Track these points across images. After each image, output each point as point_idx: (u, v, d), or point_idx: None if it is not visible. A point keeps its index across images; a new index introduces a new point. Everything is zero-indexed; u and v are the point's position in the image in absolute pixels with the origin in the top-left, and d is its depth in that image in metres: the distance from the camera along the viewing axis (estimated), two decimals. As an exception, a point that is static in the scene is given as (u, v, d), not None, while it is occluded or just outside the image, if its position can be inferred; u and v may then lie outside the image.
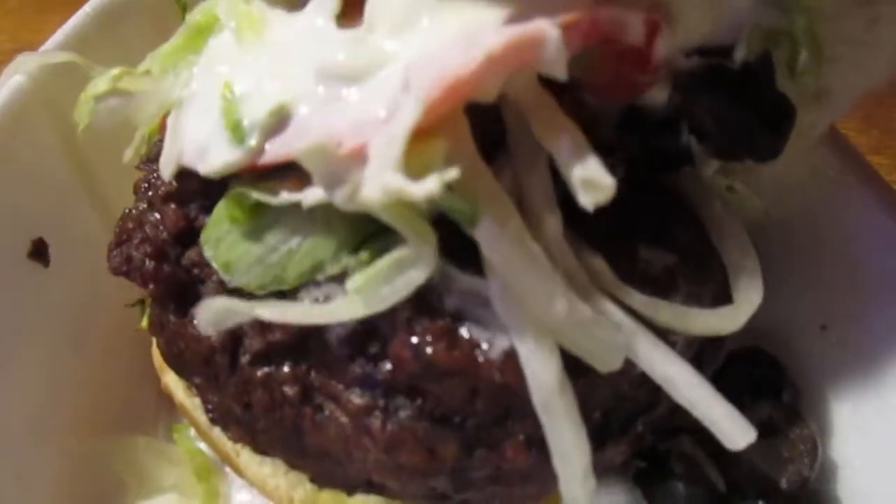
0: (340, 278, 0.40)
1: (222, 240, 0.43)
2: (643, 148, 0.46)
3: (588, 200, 0.35)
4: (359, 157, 0.36)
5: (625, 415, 0.46)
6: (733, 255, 0.48)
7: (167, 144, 0.46)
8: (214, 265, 0.42)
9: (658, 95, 0.42)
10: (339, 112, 0.38)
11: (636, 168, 0.46)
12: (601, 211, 0.38)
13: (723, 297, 0.46)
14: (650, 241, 0.46)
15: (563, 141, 0.37)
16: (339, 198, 0.36)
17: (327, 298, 0.41)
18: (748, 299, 0.45)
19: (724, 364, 0.53)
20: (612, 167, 0.45)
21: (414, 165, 0.34)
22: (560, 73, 0.35)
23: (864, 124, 1.00)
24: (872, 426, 0.49)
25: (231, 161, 0.41)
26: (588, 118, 0.42)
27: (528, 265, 0.36)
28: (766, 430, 0.50)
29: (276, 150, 0.40)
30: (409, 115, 0.33)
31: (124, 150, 0.50)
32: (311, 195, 0.39)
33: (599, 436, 0.44)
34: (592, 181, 0.36)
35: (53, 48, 0.58)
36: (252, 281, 0.41)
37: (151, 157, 0.50)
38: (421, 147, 0.34)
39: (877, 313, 0.50)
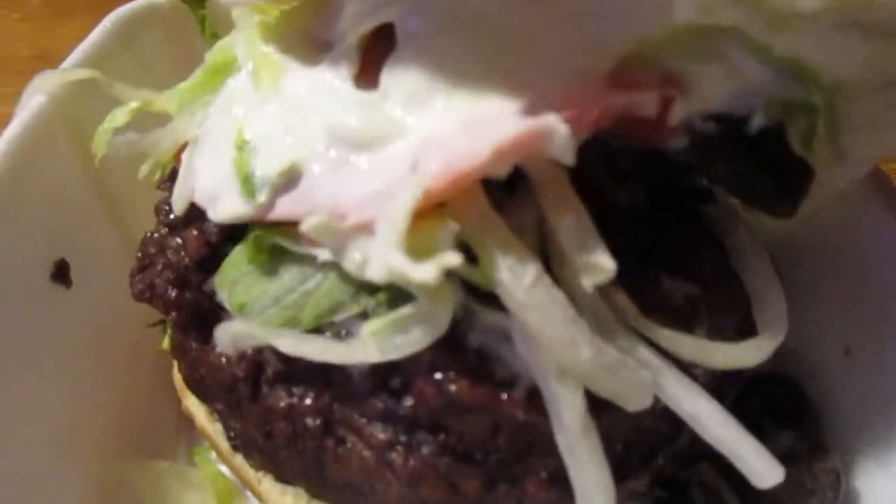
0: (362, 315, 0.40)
1: (238, 282, 0.43)
2: (663, 181, 0.45)
3: (588, 283, 0.36)
4: (364, 230, 0.37)
5: (646, 447, 0.46)
6: (757, 284, 0.47)
7: (180, 179, 0.46)
8: (228, 307, 0.42)
9: (676, 143, 0.42)
10: (347, 179, 0.39)
11: (656, 194, 0.46)
12: (622, 238, 0.38)
13: (746, 327, 0.46)
14: (672, 271, 0.45)
15: (568, 221, 0.37)
16: (349, 267, 0.37)
17: (348, 333, 0.41)
18: (772, 332, 0.45)
19: (745, 389, 0.53)
20: (632, 193, 0.45)
21: (419, 244, 0.34)
22: (568, 160, 0.35)
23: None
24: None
25: (240, 213, 0.42)
26: (609, 151, 0.42)
27: (549, 314, 0.36)
28: (788, 460, 0.49)
29: (285, 209, 0.41)
30: (410, 198, 0.34)
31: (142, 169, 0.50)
32: (325, 254, 0.39)
33: (621, 468, 0.44)
34: (595, 266, 0.36)
35: (73, 64, 0.57)
36: (267, 321, 0.41)
37: (172, 177, 0.50)
38: (427, 225, 0.35)
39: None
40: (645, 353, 0.41)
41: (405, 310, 0.37)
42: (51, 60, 0.98)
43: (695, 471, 0.50)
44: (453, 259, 0.34)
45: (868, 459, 0.50)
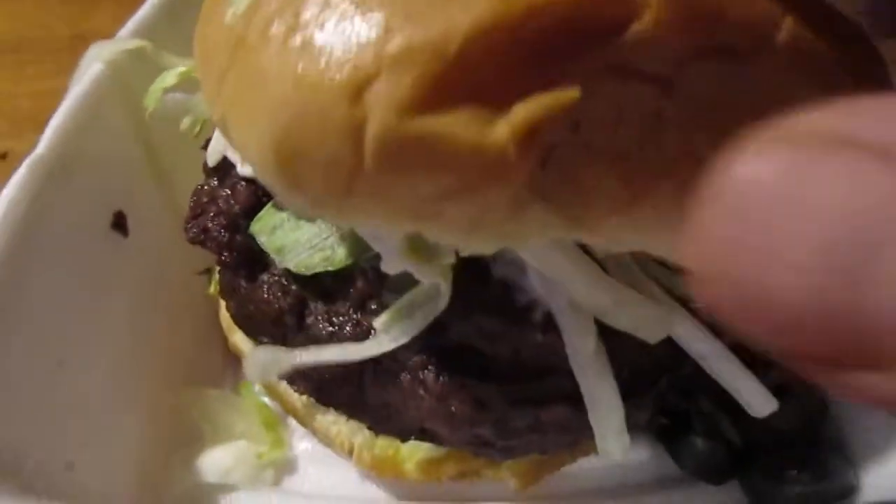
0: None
1: (278, 227, 0.48)
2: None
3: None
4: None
5: (651, 374, 0.50)
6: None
7: (215, 136, 0.51)
8: (267, 249, 0.47)
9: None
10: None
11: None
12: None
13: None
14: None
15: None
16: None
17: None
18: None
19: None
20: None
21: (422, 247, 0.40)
22: None
23: None
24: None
25: None
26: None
27: (564, 258, 0.41)
28: (780, 391, 0.54)
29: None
30: None
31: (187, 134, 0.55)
32: None
33: (627, 391, 0.49)
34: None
35: (126, 35, 0.62)
36: (301, 262, 0.46)
37: (217, 137, 0.55)
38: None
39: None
40: (656, 289, 0.46)
41: (407, 297, 0.43)
42: (88, 40, 1.03)
43: (695, 402, 0.55)
44: (451, 259, 0.39)
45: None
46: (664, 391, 0.52)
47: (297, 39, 0.32)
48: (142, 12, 0.63)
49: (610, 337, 0.44)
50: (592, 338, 0.43)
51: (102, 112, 0.57)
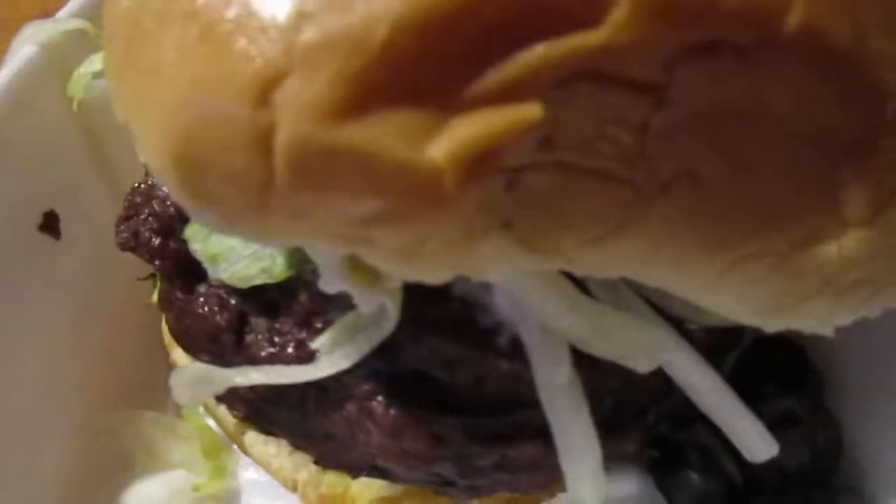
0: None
1: (212, 233, 0.42)
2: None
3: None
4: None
5: (637, 403, 0.44)
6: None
7: None
8: (200, 258, 0.42)
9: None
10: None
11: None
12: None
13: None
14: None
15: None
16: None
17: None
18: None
19: (747, 351, 0.51)
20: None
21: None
22: None
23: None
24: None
25: None
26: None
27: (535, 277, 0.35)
28: (787, 423, 0.48)
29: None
30: None
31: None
32: None
33: (610, 424, 0.43)
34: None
35: (67, 14, 0.57)
36: (237, 273, 0.41)
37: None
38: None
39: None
40: (646, 309, 0.39)
41: (350, 317, 0.37)
42: (56, 21, 0.98)
43: (690, 432, 0.49)
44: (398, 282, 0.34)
45: (869, 422, 0.48)
46: (655, 420, 0.46)
47: (196, 25, 0.26)
48: (84, -11, 0.57)
49: (589, 363, 0.38)
50: (565, 368, 0.38)
51: (34, 100, 0.51)
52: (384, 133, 0.25)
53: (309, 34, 0.25)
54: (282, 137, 0.25)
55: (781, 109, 0.28)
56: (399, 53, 0.24)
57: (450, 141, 0.25)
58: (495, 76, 0.25)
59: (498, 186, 0.27)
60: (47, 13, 0.99)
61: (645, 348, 0.38)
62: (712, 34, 0.26)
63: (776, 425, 0.47)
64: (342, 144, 0.25)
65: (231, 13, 0.26)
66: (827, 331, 0.34)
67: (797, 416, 0.48)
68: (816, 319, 0.34)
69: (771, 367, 0.51)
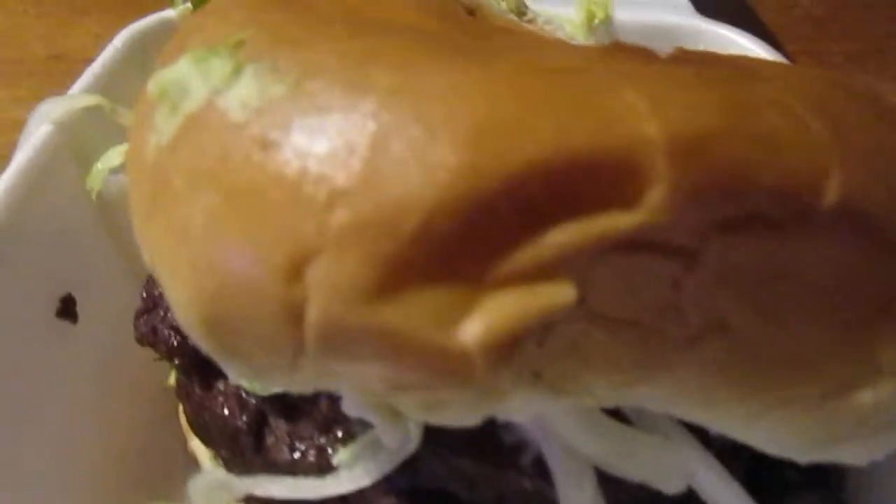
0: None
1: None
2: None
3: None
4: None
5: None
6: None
7: None
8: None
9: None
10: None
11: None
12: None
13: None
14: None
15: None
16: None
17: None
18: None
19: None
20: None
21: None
22: None
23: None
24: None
25: None
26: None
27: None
28: None
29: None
30: None
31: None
32: None
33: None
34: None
35: (81, 88, 0.56)
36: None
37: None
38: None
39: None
40: (672, 427, 0.39)
41: (372, 433, 0.37)
42: (66, 60, 0.98)
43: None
44: None
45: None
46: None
47: (227, 192, 0.26)
48: (97, 64, 0.57)
49: (612, 479, 0.38)
50: (589, 487, 0.37)
51: (51, 181, 0.51)
52: (414, 315, 0.25)
53: (342, 215, 0.25)
54: (312, 314, 0.25)
55: (814, 272, 0.28)
56: (431, 237, 0.24)
57: (481, 325, 0.24)
58: (527, 256, 0.25)
59: (530, 345, 0.26)
60: (55, 55, 1.00)
61: (670, 469, 0.37)
62: (748, 210, 0.26)
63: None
64: (372, 324, 0.25)
65: (263, 183, 0.26)
66: (862, 463, 0.34)
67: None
68: (850, 457, 0.34)
69: (792, 465, 0.50)
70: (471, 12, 0.47)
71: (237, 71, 0.28)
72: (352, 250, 0.25)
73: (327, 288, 0.25)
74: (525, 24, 0.59)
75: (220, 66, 0.29)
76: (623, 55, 0.33)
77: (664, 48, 0.34)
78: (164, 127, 0.29)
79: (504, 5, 0.63)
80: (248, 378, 0.36)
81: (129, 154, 0.33)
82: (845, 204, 0.26)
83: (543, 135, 0.25)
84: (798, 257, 0.27)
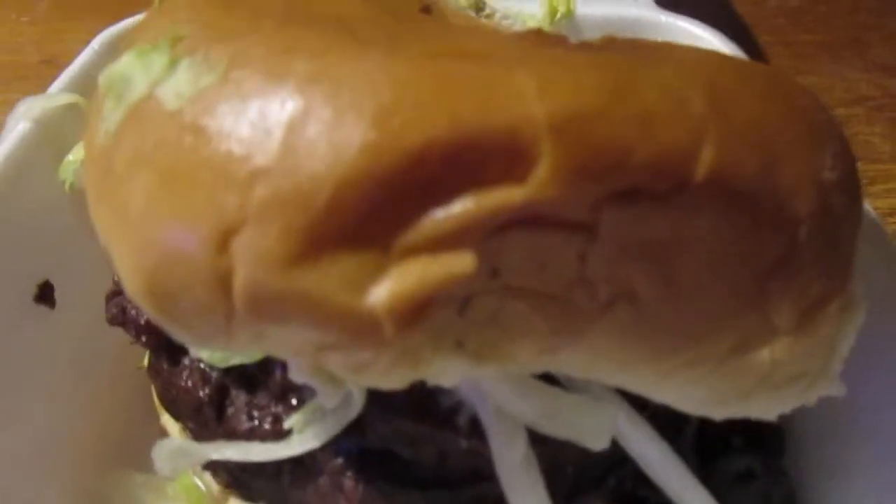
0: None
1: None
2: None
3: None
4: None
5: (598, 468, 0.47)
6: None
7: None
8: None
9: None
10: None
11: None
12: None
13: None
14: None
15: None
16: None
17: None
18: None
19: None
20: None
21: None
22: None
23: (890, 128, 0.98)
24: (854, 477, 0.49)
25: None
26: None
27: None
28: (745, 479, 0.51)
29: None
30: None
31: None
32: None
33: (574, 489, 0.46)
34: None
35: (59, 87, 0.60)
36: (216, 354, 0.44)
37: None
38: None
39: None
40: (597, 385, 0.42)
41: (317, 401, 0.40)
42: (58, 65, 1.00)
43: (653, 489, 0.51)
44: None
45: (825, 481, 0.50)
46: (618, 481, 0.49)
47: (160, 175, 0.29)
48: (75, 64, 0.60)
49: (543, 439, 0.41)
50: (521, 445, 0.40)
51: (29, 175, 0.54)
52: (328, 281, 0.27)
53: (261, 192, 0.28)
54: (239, 281, 0.28)
55: (703, 240, 0.30)
56: (341, 210, 0.27)
57: (387, 289, 0.27)
58: (428, 227, 0.27)
59: (451, 313, 0.29)
60: (47, 60, 1.03)
61: (596, 428, 0.40)
62: (628, 184, 0.28)
63: (734, 480, 0.50)
64: (291, 290, 0.28)
65: (193, 165, 0.29)
66: (771, 418, 0.37)
67: (754, 473, 0.50)
68: (758, 411, 0.37)
69: (729, 424, 0.53)
70: (426, 8, 0.50)
71: (174, 63, 0.31)
72: (271, 223, 0.27)
73: (250, 258, 0.28)
74: (481, 20, 0.62)
75: (159, 60, 0.32)
76: (535, 40, 0.36)
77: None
78: (110, 116, 0.32)
79: (462, 2, 0.66)
80: (195, 344, 0.39)
81: (84, 143, 0.36)
82: (717, 176, 0.29)
83: (440, 116, 0.27)
84: (685, 227, 0.30)
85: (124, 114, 0.32)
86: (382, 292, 0.27)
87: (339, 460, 0.43)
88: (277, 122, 0.28)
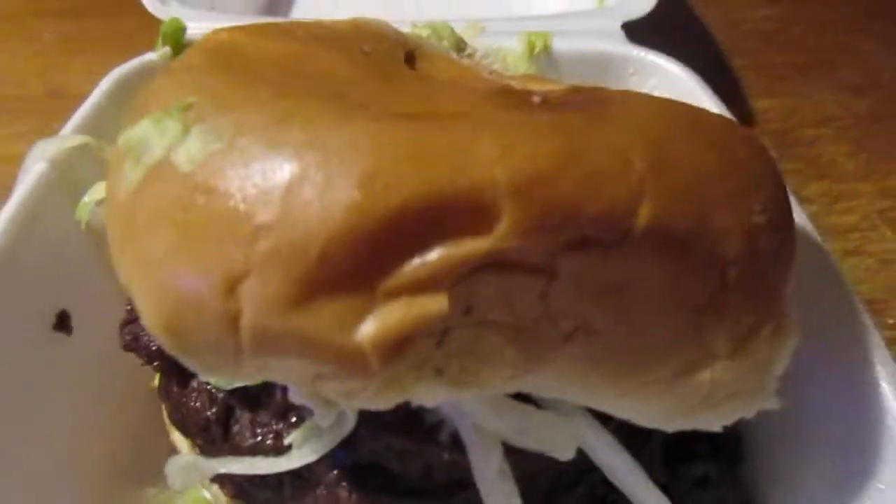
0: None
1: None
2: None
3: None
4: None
5: (570, 476, 0.52)
6: None
7: None
8: None
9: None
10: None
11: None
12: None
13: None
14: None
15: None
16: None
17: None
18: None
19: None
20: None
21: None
22: None
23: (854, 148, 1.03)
24: (804, 483, 0.54)
25: None
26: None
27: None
28: (702, 485, 0.55)
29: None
30: None
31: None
32: None
33: (548, 495, 0.51)
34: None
35: (72, 129, 0.64)
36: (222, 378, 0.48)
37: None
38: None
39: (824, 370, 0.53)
40: (565, 402, 0.47)
41: (314, 419, 0.45)
42: (63, 96, 1.06)
43: (621, 494, 0.56)
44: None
45: (777, 491, 0.55)
46: (591, 486, 0.53)
47: (178, 230, 0.34)
48: (86, 105, 0.65)
49: (517, 451, 0.45)
50: (496, 459, 0.45)
51: (46, 212, 0.58)
52: (321, 321, 0.32)
53: (264, 245, 0.32)
54: (245, 322, 0.33)
55: (646, 280, 0.35)
56: (332, 260, 0.32)
57: (373, 328, 0.32)
58: (408, 274, 0.32)
59: (430, 345, 0.34)
60: (52, 91, 1.08)
61: (564, 441, 0.45)
62: (579, 235, 0.33)
63: (693, 486, 0.55)
64: (290, 329, 0.33)
65: (205, 221, 0.34)
66: (716, 429, 0.42)
67: (711, 480, 0.55)
68: (704, 424, 0.41)
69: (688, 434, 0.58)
70: (410, 54, 0.55)
71: (186, 131, 0.36)
72: (272, 272, 0.32)
73: (255, 302, 0.33)
74: (462, 60, 0.67)
75: (173, 127, 0.37)
76: (503, 99, 0.41)
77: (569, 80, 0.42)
78: (131, 175, 0.37)
79: (445, 43, 0.71)
80: (206, 373, 0.44)
81: (105, 197, 0.41)
82: (654, 227, 0.34)
83: (415, 179, 0.32)
84: (630, 270, 0.35)
85: (143, 174, 0.37)
86: (369, 330, 0.32)
87: (335, 473, 0.47)
88: (277, 184, 0.33)
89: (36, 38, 1.15)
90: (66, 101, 1.03)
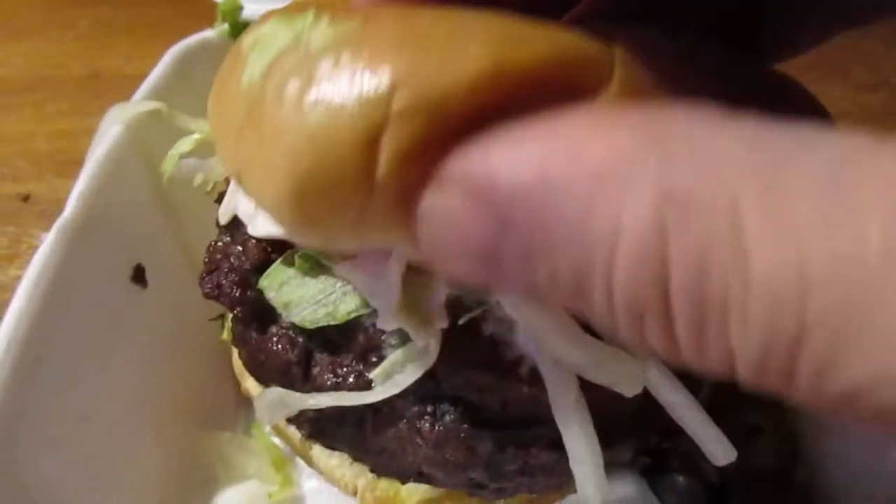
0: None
1: (285, 283, 0.52)
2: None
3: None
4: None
5: (632, 417, 0.54)
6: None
7: (227, 197, 0.55)
8: (275, 304, 0.51)
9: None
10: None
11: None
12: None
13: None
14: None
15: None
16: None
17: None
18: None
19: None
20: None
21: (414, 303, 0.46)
22: None
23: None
24: (851, 433, 0.56)
25: (272, 232, 0.50)
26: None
27: (547, 318, 0.45)
28: (755, 433, 0.58)
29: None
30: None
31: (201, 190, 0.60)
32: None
33: (610, 437, 0.53)
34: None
35: (141, 96, 0.67)
36: (306, 317, 0.50)
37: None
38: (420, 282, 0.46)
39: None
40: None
41: (400, 352, 0.47)
42: (101, 78, 1.09)
43: (675, 441, 0.58)
44: (444, 323, 0.45)
45: (822, 437, 0.58)
46: (646, 433, 0.56)
47: (312, 97, 0.34)
48: (154, 75, 0.67)
49: (591, 388, 0.48)
50: (573, 391, 0.47)
51: (122, 173, 0.61)
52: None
53: (399, 100, 0.33)
54: (381, 172, 0.34)
55: None
56: (465, 111, 0.33)
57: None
58: None
59: None
60: (93, 74, 1.10)
61: (633, 376, 0.48)
62: None
63: (747, 433, 0.58)
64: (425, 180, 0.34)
65: (342, 87, 0.34)
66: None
67: (762, 429, 0.58)
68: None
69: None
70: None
71: (318, 18, 0.37)
72: (409, 123, 0.33)
73: (392, 151, 0.33)
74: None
75: (302, 18, 0.37)
76: None
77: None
78: (257, 63, 0.37)
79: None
80: (322, 244, 0.45)
81: (214, 98, 0.42)
82: None
83: (545, 42, 0.34)
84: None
85: (272, 58, 0.37)
86: None
87: (416, 407, 0.49)
88: (412, 39, 0.34)
89: (72, 25, 1.18)
90: (106, 83, 1.07)
